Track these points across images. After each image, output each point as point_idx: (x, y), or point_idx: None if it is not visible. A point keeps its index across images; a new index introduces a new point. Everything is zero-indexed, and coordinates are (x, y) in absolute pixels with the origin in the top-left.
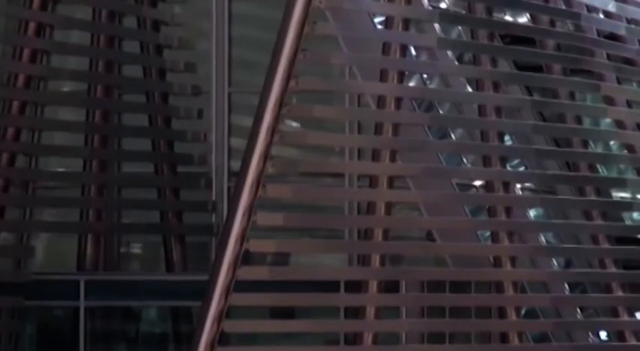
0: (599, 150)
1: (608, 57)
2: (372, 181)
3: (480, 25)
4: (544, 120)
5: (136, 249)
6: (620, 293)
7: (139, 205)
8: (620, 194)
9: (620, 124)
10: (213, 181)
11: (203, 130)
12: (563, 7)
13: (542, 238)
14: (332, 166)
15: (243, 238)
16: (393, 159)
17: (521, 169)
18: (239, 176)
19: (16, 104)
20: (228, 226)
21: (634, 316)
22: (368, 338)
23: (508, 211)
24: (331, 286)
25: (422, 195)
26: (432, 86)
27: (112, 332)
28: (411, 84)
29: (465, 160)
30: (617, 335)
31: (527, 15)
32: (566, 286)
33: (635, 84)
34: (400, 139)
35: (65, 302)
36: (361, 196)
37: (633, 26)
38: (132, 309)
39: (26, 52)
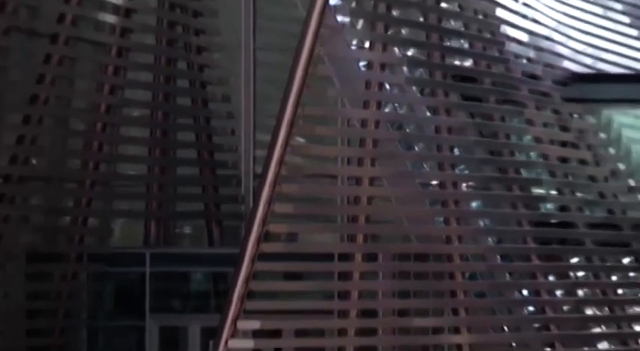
0: (523, 158)
1: (529, 90)
2: (357, 181)
3: (436, 67)
4: (482, 136)
5: (187, 230)
6: (537, 262)
7: (188, 198)
8: (537, 190)
9: (538, 139)
10: (242, 181)
11: (235, 143)
12: (497, 54)
13: (481, 223)
14: (328, 170)
15: (264, 222)
16: (372, 164)
17: (466, 172)
18: (261, 177)
19: (99, 125)
20: (253, 213)
21: (547, 278)
22: (354, 294)
23: (456, 202)
24: (327, 257)
25: (394, 191)
26: (401, 112)
27: (169, 290)
28: (386, 110)
29: (425, 166)
30: (535, 293)
31: (471, 60)
32: (498, 257)
33: (549, 110)
34: (378, 150)
35: (135, 268)
36: (349, 191)
37: (548, 69)
38: (184, 273)
39: (106, 88)
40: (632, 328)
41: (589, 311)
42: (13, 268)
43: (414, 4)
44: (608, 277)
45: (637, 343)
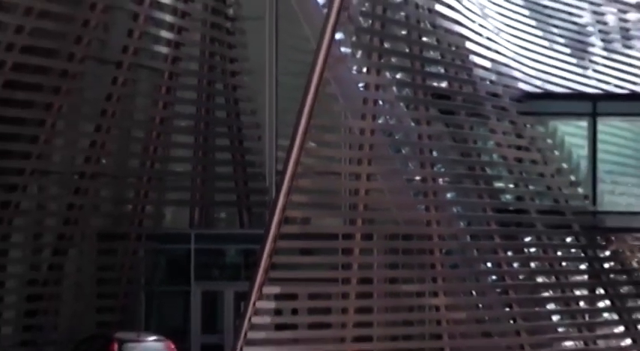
0: (487, 159)
1: (492, 106)
2: (357, 177)
3: (418, 87)
4: (455, 142)
5: (223, 215)
6: (498, 241)
7: (224, 190)
8: (498, 184)
9: (498, 144)
10: (266, 177)
11: (261, 147)
12: (466, 77)
13: (454, 210)
14: (334, 168)
15: (284, 209)
16: (369, 164)
17: (442, 170)
18: (282, 174)
19: (154, 133)
20: (275, 202)
21: (506, 254)
22: (355, 266)
23: (434, 194)
24: (333, 236)
25: (386, 184)
26: (391, 122)
27: (209, 263)
28: (379, 121)
29: (410, 165)
30: (497, 265)
31: (446, 82)
32: (468, 237)
33: (507, 121)
34: (373, 153)
35: (183, 245)
36: (350, 185)
37: (506, 89)
38: (220, 249)
39: (160, 104)
40: (573, 292)
41: (539, 279)
42: (87, 246)
43: (401, 39)
44: (555, 252)
45: (577, 304)
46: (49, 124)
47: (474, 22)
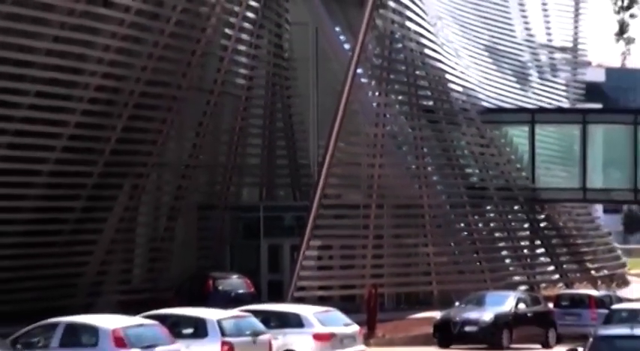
0: (460, 153)
1: (463, 117)
2: (372, 166)
3: (413, 105)
4: (439, 141)
5: (282, 192)
6: (468, 208)
7: (283, 175)
8: (468, 170)
9: (468, 143)
10: (311, 166)
11: (307, 146)
12: (445, 97)
13: (438, 187)
14: (356, 159)
15: (323, 188)
16: (380, 157)
17: (430, 160)
18: (321, 164)
19: (235, 138)
20: (317, 183)
21: (474, 217)
22: (371, 226)
23: (425, 177)
24: (356, 207)
25: (392, 171)
26: (395, 129)
27: (272, 225)
28: (387, 128)
29: (408, 158)
30: (468, 225)
31: (432, 101)
32: (448, 206)
33: (474, 128)
34: (383, 149)
35: (255, 214)
36: (367, 171)
37: (473, 105)
38: (280, 216)
39: (239, 118)
40: (519, 243)
41: (496, 234)
42: (190, 215)
43: (401, 72)
44: (507, 216)
45: (522, 251)
46: (164, 132)
47: (450, 60)
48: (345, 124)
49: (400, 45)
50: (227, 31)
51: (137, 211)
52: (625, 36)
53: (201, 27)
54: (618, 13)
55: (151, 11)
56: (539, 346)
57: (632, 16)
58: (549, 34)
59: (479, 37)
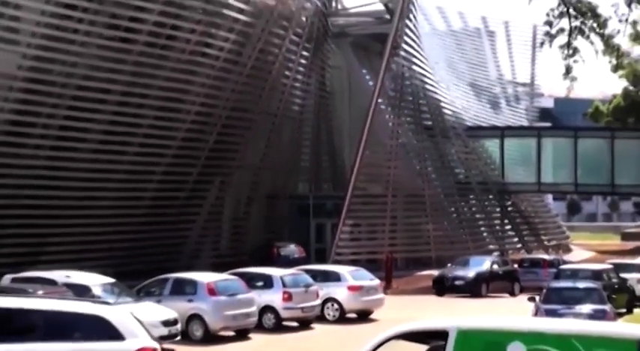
0: (452, 158)
1: (453, 132)
2: (388, 167)
3: (418, 124)
4: (436, 150)
5: (325, 185)
6: (457, 197)
7: (325, 173)
8: (457, 170)
9: (457, 152)
10: (346, 167)
11: (343, 154)
12: (440, 119)
13: (436, 182)
14: (378, 163)
15: (355, 182)
16: (395, 160)
17: (429, 163)
18: (352, 165)
19: (293, 146)
20: (350, 179)
21: (461, 203)
22: (388, 210)
23: (426, 175)
24: (378, 196)
25: (403, 171)
26: (404, 141)
27: (319, 210)
28: (399, 140)
29: (414, 161)
30: (456, 209)
31: (430, 121)
32: (442, 195)
33: (460, 140)
34: (396, 155)
35: (306, 201)
36: (386, 171)
37: (460, 123)
38: (323, 203)
39: (296, 133)
40: (494, 222)
41: (477, 216)
42: (262, 202)
43: (409, 101)
44: (484, 203)
45: (496, 228)
46: (243, 144)
47: (443, 92)
48: (369, 138)
49: (408, 82)
50: (286, 72)
51: (224, 199)
52: (569, 75)
53: (269, 70)
54: (565, 59)
55: (234, 59)
56: (507, 294)
57: (575, 61)
58: (514, 73)
59: (463, 75)
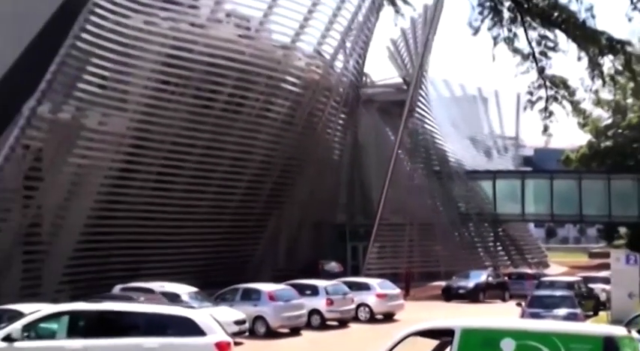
0: (455, 193)
1: (456, 174)
2: (407, 199)
3: (429, 168)
4: (442, 187)
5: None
6: (459, 224)
7: (360, 203)
8: (459, 204)
9: (458, 188)
10: (374, 200)
11: (373, 193)
12: (446, 164)
13: (442, 211)
14: (399, 196)
15: (383, 206)
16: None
17: (437, 197)
18: (382, 195)
19: (334, 183)
20: (377, 208)
21: (462, 229)
22: (407, 232)
23: (435, 204)
24: (399, 224)
25: (418, 202)
26: (419, 182)
27: (353, 234)
28: (415, 182)
29: (426, 196)
30: (460, 233)
31: (438, 166)
32: (448, 223)
33: (462, 179)
34: (413, 190)
35: (343, 228)
36: (405, 201)
37: (460, 167)
38: (358, 227)
39: (336, 175)
40: (487, 242)
41: (476, 239)
42: (310, 229)
43: (421, 151)
44: (480, 228)
45: (489, 244)
46: (294, 184)
47: (448, 144)
48: (392, 179)
49: (421, 137)
50: (328, 130)
51: (280, 227)
52: (546, 132)
53: (315, 128)
54: (543, 120)
55: (289, 120)
56: (499, 300)
57: (550, 121)
58: (502, 130)
59: (463, 131)
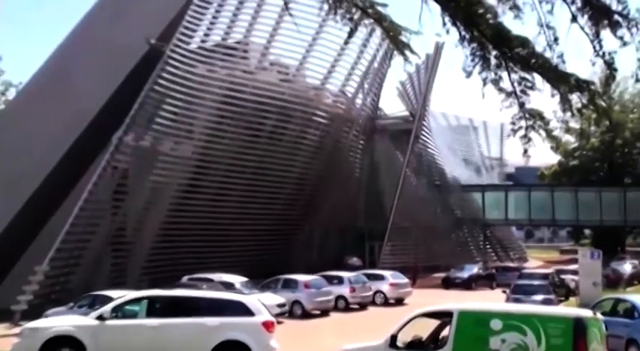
0: (451, 203)
1: (452, 189)
2: (413, 212)
3: (430, 184)
4: (441, 199)
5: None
6: (454, 227)
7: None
8: (455, 211)
9: (452, 199)
10: (387, 210)
11: (385, 207)
12: (444, 181)
13: (440, 218)
14: (407, 209)
15: (392, 221)
16: (417, 206)
17: (436, 205)
18: (392, 206)
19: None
20: (389, 218)
21: (459, 236)
22: (412, 235)
23: (435, 212)
24: (405, 228)
25: (422, 213)
26: (424, 195)
27: (371, 235)
28: (420, 195)
29: (429, 207)
30: (457, 235)
31: (439, 181)
32: (445, 227)
33: (457, 192)
34: (418, 203)
35: (360, 232)
36: (410, 212)
37: (455, 182)
38: (377, 228)
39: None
40: (478, 241)
41: (469, 240)
42: (335, 232)
43: (424, 170)
44: (472, 232)
45: (479, 243)
46: (324, 196)
47: (446, 164)
48: (401, 192)
49: (424, 158)
50: (350, 153)
51: (312, 230)
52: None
53: (340, 152)
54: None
55: (319, 146)
56: (488, 288)
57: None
58: (490, 152)
59: (458, 154)
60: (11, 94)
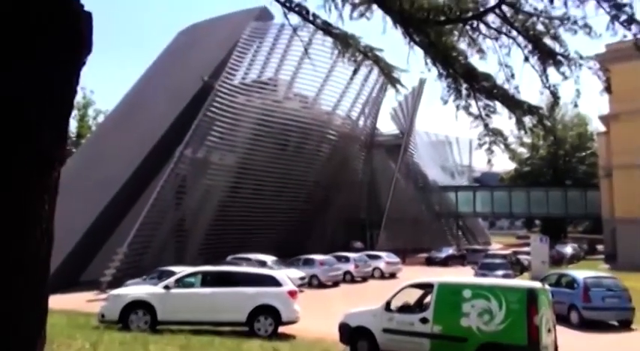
0: (433, 202)
1: (434, 191)
2: (406, 209)
3: (417, 185)
4: (426, 198)
5: (371, 214)
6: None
7: (375, 211)
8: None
9: (434, 198)
10: (383, 207)
11: (381, 206)
12: (423, 186)
13: (427, 214)
14: (402, 207)
15: (387, 217)
16: (410, 206)
17: (423, 203)
18: (385, 208)
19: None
20: (383, 213)
21: (439, 226)
22: (406, 229)
23: (424, 208)
24: (400, 219)
25: (415, 210)
26: (411, 193)
27: (371, 227)
28: (409, 193)
29: (420, 204)
30: (443, 228)
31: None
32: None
33: (436, 193)
34: (409, 203)
35: (360, 222)
36: (405, 208)
37: (436, 186)
38: (373, 220)
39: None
40: (453, 233)
41: (445, 228)
42: (343, 223)
43: (415, 178)
44: (448, 222)
45: (455, 237)
46: (334, 197)
47: (428, 169)
48: (394, 193)
49: (412, 166)
50: (355, 163)
51: (325, 222)
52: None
53: (346, 163)
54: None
55: (329, 158)
56: (460, 266)
57: (492, 156)
58: (461, 161)
59: (437, 163)
60: (100, 118)
